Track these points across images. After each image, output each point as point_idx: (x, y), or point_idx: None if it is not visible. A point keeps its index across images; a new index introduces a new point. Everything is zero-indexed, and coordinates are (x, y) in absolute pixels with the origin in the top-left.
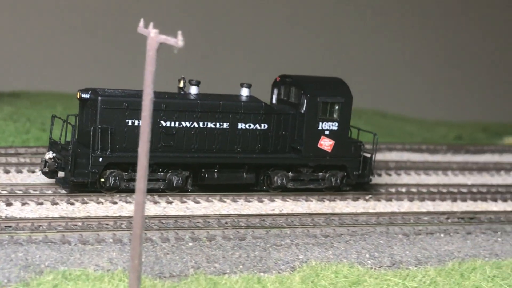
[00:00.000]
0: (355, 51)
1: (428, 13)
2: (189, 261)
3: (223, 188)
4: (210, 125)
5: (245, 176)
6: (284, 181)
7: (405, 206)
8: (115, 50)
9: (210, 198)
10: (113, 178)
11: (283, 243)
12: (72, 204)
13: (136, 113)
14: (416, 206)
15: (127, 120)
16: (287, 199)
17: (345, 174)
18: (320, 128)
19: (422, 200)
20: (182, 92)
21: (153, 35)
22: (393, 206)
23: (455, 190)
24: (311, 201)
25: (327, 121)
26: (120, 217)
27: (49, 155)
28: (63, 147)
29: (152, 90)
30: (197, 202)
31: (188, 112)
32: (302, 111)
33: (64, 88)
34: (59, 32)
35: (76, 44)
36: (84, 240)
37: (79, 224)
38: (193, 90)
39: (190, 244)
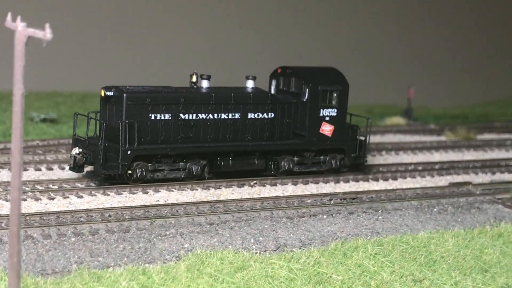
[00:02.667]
0: None
1: None
2: (72, 257)
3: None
4: (223, 116)
5: (256, 162)
6: (291, 165)
7: (290, 190)
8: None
9: (93, 192)
10: (140, 170)
11: (167, 233)
12: None
13: (157, 107)
14: (300, 189)
15: (150, 115)
16: (172, 189)
17: (343, 156)
18: (321, 114)
19: (306, 183)
20: (195, 86)
21: (21, 28)
22: (278, 191)
23: None
24: (197, 189)
25: (327, 107)
26: None
27: (76, 150)
28: (91, 142)
29: (22, 85)
30: (80, 197)
31: (204, 105)
32: (304, 100)
33: None
34: None
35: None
36: None
37: None
38: (205, 84)
39: (73, 239)
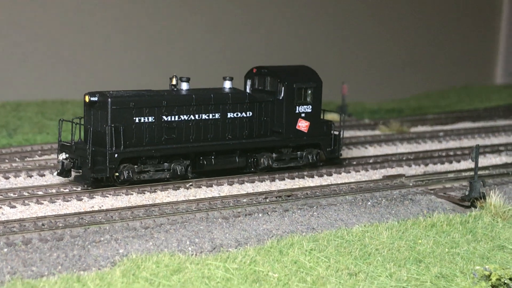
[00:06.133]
0: None
1: None
2: (5, 267)
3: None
4: (204, 116)
5: (237, 160)
6: (270, 161)
7: (225, 190)
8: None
9: (26, 201)
10: (127, 172)
11: (102, 239)
12: None
13: (141, 111)
14: (236, 189)
15: (134, 118)
16: (107, 195)
17: (319, 151)
18: (297, 111)
19: (242, 183)
20: (175, 89)
21: None
22: (214, 192)
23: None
24: (132, 194)
25: (302, 104)
26: None
27: (63, 156)
28: (77, 147)
29: None
30: (13, 207)
31: (185, 106)
32: (281, 98)
33: None
34: None
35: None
36: None
37: None
38: (184, 86)
39: (5, 250)
